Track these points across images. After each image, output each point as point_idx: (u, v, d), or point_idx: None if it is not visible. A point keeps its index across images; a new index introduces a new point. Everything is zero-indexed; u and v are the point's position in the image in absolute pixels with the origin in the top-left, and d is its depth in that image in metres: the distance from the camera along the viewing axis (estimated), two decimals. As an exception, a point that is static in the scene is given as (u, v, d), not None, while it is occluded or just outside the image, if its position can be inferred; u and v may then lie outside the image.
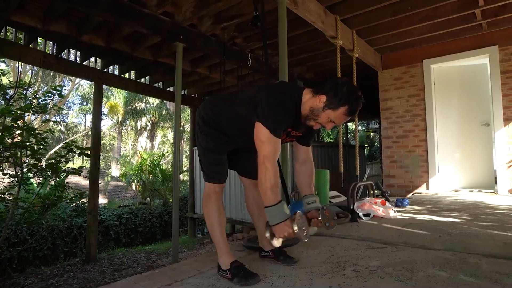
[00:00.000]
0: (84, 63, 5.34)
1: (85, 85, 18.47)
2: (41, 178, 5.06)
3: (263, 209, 1.77)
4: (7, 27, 4.36)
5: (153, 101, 18.18)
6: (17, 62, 5.20)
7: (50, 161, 4.75)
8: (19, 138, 4.57)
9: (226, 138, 1.59)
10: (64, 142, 13.14)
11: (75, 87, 18.31)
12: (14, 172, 4.51)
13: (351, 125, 13.52)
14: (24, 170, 4.52)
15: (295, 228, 1.35)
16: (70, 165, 5.19)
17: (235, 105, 1.56)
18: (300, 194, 1.71)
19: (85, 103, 19.64)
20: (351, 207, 2.85)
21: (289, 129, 1.51)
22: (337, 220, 1.69)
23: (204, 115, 1.61)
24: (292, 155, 5.69)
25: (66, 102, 18.68)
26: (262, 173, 1.38)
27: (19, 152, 4.42)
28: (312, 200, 1.60)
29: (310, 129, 1.56)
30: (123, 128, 20.23)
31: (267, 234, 1.45)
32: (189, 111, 8.56)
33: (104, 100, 16.05)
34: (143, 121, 19.90)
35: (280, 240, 1.46)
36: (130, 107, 18.39)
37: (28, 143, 4.35)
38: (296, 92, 1.48)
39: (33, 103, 4.80)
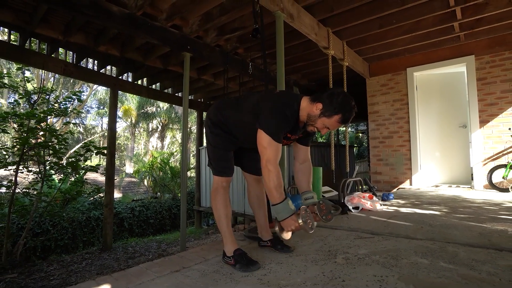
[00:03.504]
0: (100, 71, 5.34)
1: (101, 91, 18.47)
2: (62, 175, 5.07)
3: (262, 202, 1.78)
4: (32, 38, 4.35)
5: (163, 105, 18.18)
6: (41, 70, 5.18)
7: (70, 160, 4.75)
8: (42, 138, 4.57)
9: (232, 138, 1.60)
10: (83, 142, 13.14)
11: (93, 92, 18.31)
12: (38, 169, 4.52)
13: (341, 127, 13.51)
14: (47, 167, 4.53)
15: (300, 221, 1.36)
16: (88, 163, 5.19)
17: (239, 112, 1.56)
18: (298, 191, 1.71)
19: (101, 107, 19.65)
20: (342, 201, 2.85)
21: (288, 134, 1.50)
22: (334, 213, 1.67)
23: (213, 118, 1.61)
24: (288, 155, 5.68)
25: (85, 106, 18.69)
26: (266, 175, 1.40)
27: (42, 151, 4.43)
28: (310, 196, 1.62)
29: (308, 131, 1.55)
30: (136, 129, 20.24)
31: (276, 229, 1.46)
32: (196, 114, 8.54)
33: (119, 104, 16.07)
34: (154, 123, 19.92)
35: (290, 233, 1.47)
36: (143, 110, 18.40)
37: (50, 143, 4.36)
38: (295, 101, 1.46)
39: (55, 107, 4.81)
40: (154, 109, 18.79)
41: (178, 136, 19.84)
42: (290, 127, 1.46)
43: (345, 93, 1.42)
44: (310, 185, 1.70)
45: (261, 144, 1.40)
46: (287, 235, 1.47)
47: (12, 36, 4.29)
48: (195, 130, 8.37)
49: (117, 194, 10.73)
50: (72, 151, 11.99)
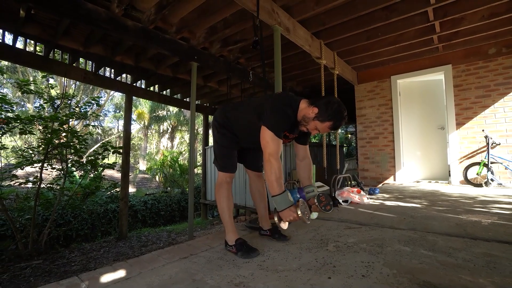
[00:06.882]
0: (117, 79, 5.34)
1: (117, 96, 18.49)
2: (82, 171, 5.06)
3: (263, 196, 1.78)
4: (55, 49, 4.36)
5: (173, 109, 18.18)
6: (63, 78, 5.18)
7: (89, 158, 4.75)
8: (65, 139, 4.57)
9: (236, 138, 1.59)
10: (101, 142, 13.13)
11: (110, 98, 18.31)
12: (60, 167, 4.52)
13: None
14: (69, 165, 4.53)
15: (299, 212, 1.32)
16: (106, 161, 5.19)
17: (243, 113, 1.55)
18: (300, 184, 1.69)
19: (117, 111, 19.65)
20: (333, 195, 2.85)
21: (286, 133, 1.49)
22: (333, 204, 1.67)
23: (220, 120, 1.61)
24: (285, 154, 5.67)
25: (103, 110, 18.68)
26: (268, 168, 1.36)
27: (64, 150, 4.43)
28: (310, 189, 1.59)
29: (305, 131, 1.54)
30: (149, 131, 20.23)
31: (276, 219, 1.41)
32: (202, 117, 8.53)
33: (133, 109, 16.05)
34: (165, 125, 19.90)
35: (287, 223, 1.43)
36: (154, 114, 18.39)
37: (72, 143, 4.35)
38: (294, 102, 1.45)
39: (76, 111, 4.81)
40: (164, 113, 18.78)
41: (186, 137, 19.82)
42: (290, 125, 1.45)
43: (340, 103, 1.40)
44: (311, 180, 1.68)
45: (264, 138, 1.37)
46: (284, 225, 1.43)
47: (37, 47, 4.30)
48: (202, 132, 8.36)
49: (131, 189, 10.73)
50: (91, 150, 11.98)
